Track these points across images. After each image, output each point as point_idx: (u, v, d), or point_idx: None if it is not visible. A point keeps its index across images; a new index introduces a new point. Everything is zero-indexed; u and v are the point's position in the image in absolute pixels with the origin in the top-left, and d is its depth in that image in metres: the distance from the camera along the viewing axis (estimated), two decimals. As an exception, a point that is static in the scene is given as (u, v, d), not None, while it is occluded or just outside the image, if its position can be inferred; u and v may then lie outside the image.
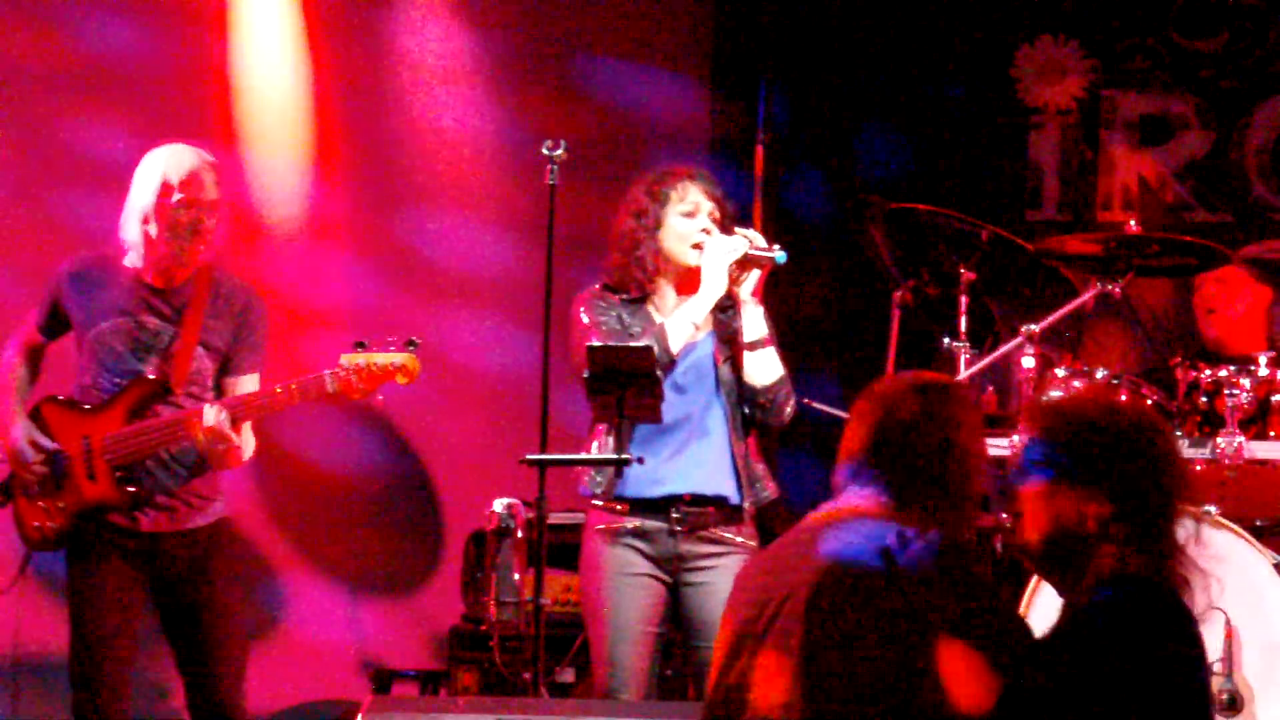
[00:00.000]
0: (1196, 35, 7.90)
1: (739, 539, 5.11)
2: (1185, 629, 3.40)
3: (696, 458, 5.09)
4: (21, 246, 6.61)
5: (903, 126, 7.98)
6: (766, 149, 7.91)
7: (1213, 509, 5.59)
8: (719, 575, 5.00)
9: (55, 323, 5.48)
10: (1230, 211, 7.84)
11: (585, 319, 5.13)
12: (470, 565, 6.55)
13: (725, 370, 5.16)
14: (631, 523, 5.05)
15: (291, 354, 6.00)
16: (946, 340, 6.06)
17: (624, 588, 5.04)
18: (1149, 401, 6.03)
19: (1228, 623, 5.40)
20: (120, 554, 5.31)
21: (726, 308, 5.18)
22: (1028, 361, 5.90)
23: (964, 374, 5.94)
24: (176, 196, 5.32)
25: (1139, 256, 6.01)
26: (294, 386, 5.27)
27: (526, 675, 4.99)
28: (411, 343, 5.26)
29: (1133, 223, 6.08)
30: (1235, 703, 5.41)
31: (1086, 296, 5.99)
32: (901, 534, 3.49)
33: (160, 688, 6.11)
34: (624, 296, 5.16)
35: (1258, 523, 5.83)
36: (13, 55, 6.67)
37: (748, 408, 5.16)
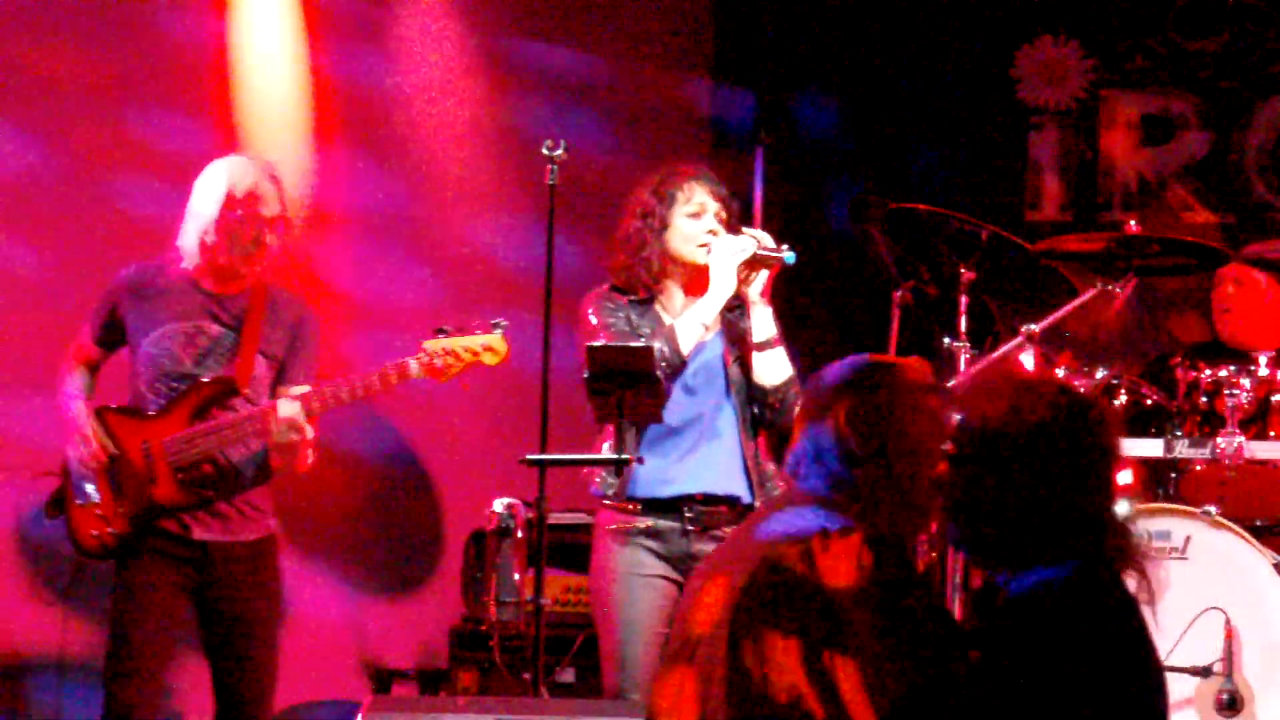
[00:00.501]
0: (1196, 35, 7.90)
1: None
2: (1113, 616, 3.33)
3: (708, 458, 5.09)
4: (22, 244, 6.62)
5: (902, 125, 7.99)
6: (767, 149, 7.92)
7: (1213, 509, 5.59)
8: None
9: (110, 334, 5.45)
10: (1230, 211, 7.84)
11: (594, 320, 5.12)
12: (470, 565, 6.55)
13: (735, 371, 5.15)
14: (643, 523, 5.05)
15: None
16: (946, 340, 6.06)
17: (636, 587, 5.03)
18: (1148, 401, 6.03)
19: (1228, 623, 5.40)
20: (170, 561, 5.29)
21: (735, 308, 5.18)
22: (1028, 361, 5.90)
23: (964, 374, 5.94)
24: (239, 210, 5.32)
25: (1139, 256, 6.02)
26: (374, 375, 5.25)
27: (526, 675, 4.99)
28: (497, 324, 5.24)
29: (1133, 223, 6.09)
30: (1235, 703, 5.41)
31: (1086, 296, 5.99)
32: (826, 528, 3.44)
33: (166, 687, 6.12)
34: (632, 298, 5.16)
35: (1258, 523, 5.83)
36: (14, 56, 6.66)
37: (757, 408, 5.16)
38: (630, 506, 5.05)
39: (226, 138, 6.84)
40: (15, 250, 6.55)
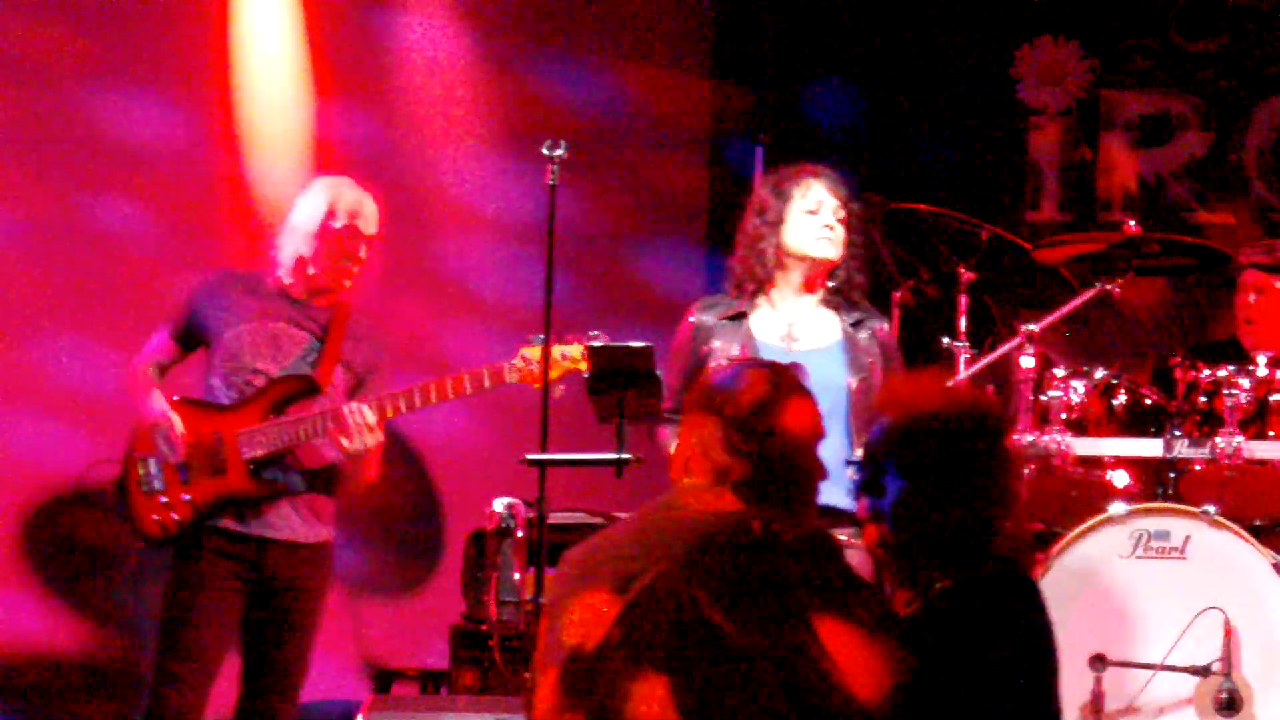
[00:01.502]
0: (1196, 35, 7.91)
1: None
2: (992, 625, 3.37)
3: None
4: (21, 244, 6.62)
5: (902, 125, 7.99)
6: (766, 149, 7.92)
7: (1212, 509, 5.59)
8: None
9: (190, 332, 5.48)
10: (1230, 211, 7.84)
11: (672, 348, 5.20)
12: (470, 565, 6.55)
13: (853, 385, 5.15)
14: None
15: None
16: (946, 340, 6.06)
17: None
18: (1147, 401, 6.03)
19: (1227, 623, 5.40)
20: (226, 561, 5.31)
21: (858, 322, 5.21)
22: (1028, 361, 5.90)
23: (964, 374, 5.94)
24: (341, 224, 5.44)
25: (1139, 257, 6.02)
26: (466, 377, 5.28)
27: (526, 675, 4.99)
28: (596, 335, 5.25)
29: (1132, 223, 6.09)
30: (1234, 702, 5.41)
31: (1087, 296, 6.00)
32: (767, 526, 3.44)
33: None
34: (727, 312, 5.17)
35: (1257, 523, 5.83)
36: (13, 53, 6.67)
37: None
38: None
39: (226, 139, 6.85)
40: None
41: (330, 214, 5.46)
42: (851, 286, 5.26)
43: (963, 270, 6.14)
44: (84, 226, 6.60)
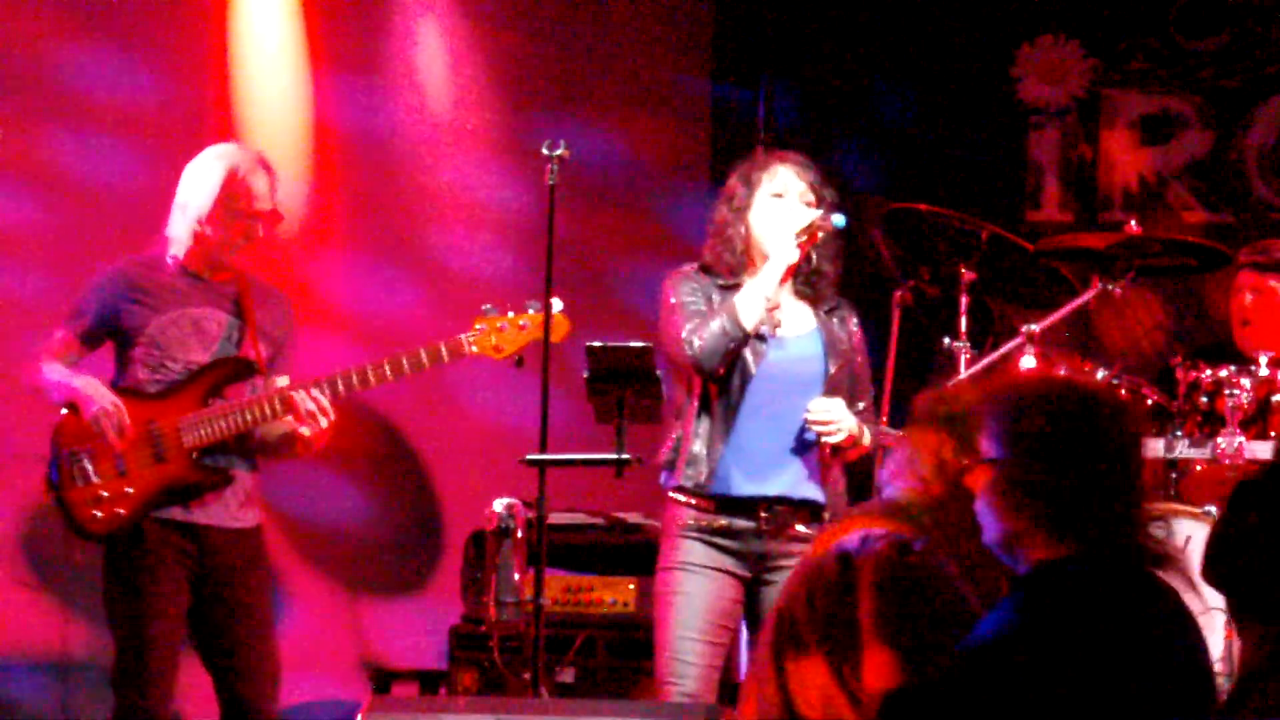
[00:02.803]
0: (1196, 35, 7.90)
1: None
2: (1111, 606, 3.29)
3: (791, 460, 5.06)
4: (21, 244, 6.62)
5: (903, 126, 7.98)
6: (767, 148, 7.91)
7: (1213, 509, 5.59)
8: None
9: (99, 328, 5.37)
10: (1230, 211, 7.84)
11: (672, 299, 5.09)
12: (470, 565, 6.55)
13: (833, 372, 5.11)
14: (719, 521, 5.03)
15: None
16: (946, 340, 6.06)
17: (698, 579, 5.00)
18: (1149, 402, 6.03)
19: (1228, 622, 5.39)
20: (170, 550, 5.25)
21: (833, 310, 5.17)
22: (1028, 361, 5.90)
23: (964, 374, 5.94)
24: (235, 202, 5.32)
25: (1139, 257, 6.02)
26: (423, 351, 5.23)
27: (526, 675, 4.99)
28: (554, 301, 5.17)
29: (1133, 223, 6.08)
30: (1236, 703, 5.39)
31: (1087, 296, 5.99)
32: (867, 537, 3.45)
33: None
34: (720, 282, 5.13)
35: (1258, 523, 5.82)
36: (14, 59, 6.67)
37: None
38: (707, 504, 5.03)
39: (224, 138, 6.84)
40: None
41: (224, 190, 5.31)
42: (819, 275, 5.18)
43: (963, 270, 6.14)
44: (82, 218, 6.59)
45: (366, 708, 4.57)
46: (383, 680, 6.89)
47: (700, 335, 4.96)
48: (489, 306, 5.22)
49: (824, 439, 5.00)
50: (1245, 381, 5.83)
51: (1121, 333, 7.41)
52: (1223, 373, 5.87)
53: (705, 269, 5.15)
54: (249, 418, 5.25)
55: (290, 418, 5.25)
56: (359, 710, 4.55)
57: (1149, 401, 6.03)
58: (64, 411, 5.30)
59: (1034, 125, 8.05)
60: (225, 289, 5.37)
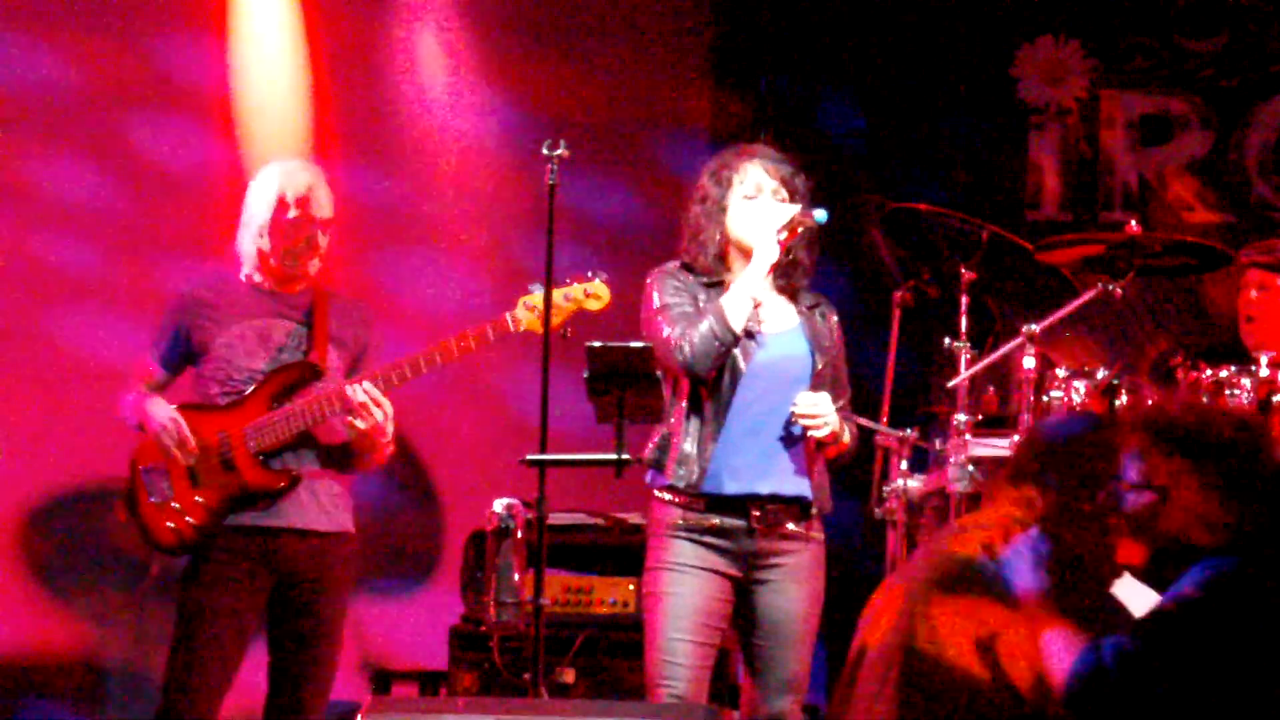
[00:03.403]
0: (1196, 35, 7.90)
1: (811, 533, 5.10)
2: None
3: (781, 458, 5.04)
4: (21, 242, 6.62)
5: (902, 125, 7.98)
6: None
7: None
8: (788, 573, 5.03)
9: (176, 351, 5.45)
10: (1230, 211, 7.83)
11: (657, 300, 5.07)
12: (470, 565, 6.54)
13: (820, 369, 5.11)
14: (709, 520, 5.02)
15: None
16: (946, 340, 6.06)
17: (689, 578, 4.99)
18: (1149, 402, 6.02)
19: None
20: (242, 558, 5.29)
21: (815, 306, 5.16)
22: (1028, 361, 5.90)
23: (964, 374, 5.94)
24: (292, 213, 5.40)
25: (1140, 257, 6.01)
26: (470, 334, 5.25)
27: (526, 675, 4.98)
28: (597, 274, 5.20)
29: (1133, 223, 6.08)
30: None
31: (1087, 296, 5.99)
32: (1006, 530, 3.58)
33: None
34: (704, 280, 5.11)
35: (1258, 522, 5.81)
36: (18, 62, 6.67)
37: None
38: (697, 503, 5.02)
39: (227, 145, 6.84)
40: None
41: (281, 204, 5.41)
42: (795, 265, 5.14)
43: (963, 270, 6.14)
44: (87, 225, 6.60)
45: (366, 708, 4.56)
46: (383, 680, 6.89)
47: (690, 340, 4.95)
48: (536, 285, 5.23)
49: (810, 433, 4.99)
50: (1245, 381, 5.83)
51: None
52: (1223, 373, 5.87)
53: (687, 266, 5.14)
54: (309, 416, 5.29)
55: (351, 418, 5.27)
56: (359, 710, 4.55)
57: (1149, 402, 6.02)
58: (139, 432, 5.39)
59: (1034, 125, 8.04)
60: (297, 300, 5.45)
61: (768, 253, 5.00)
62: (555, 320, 5.13)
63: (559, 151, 5.05)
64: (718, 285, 5.06)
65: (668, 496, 5.04)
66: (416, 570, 7.36)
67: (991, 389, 6.41)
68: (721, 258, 5.10)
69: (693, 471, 5.00)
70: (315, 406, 5.30)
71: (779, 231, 5.00)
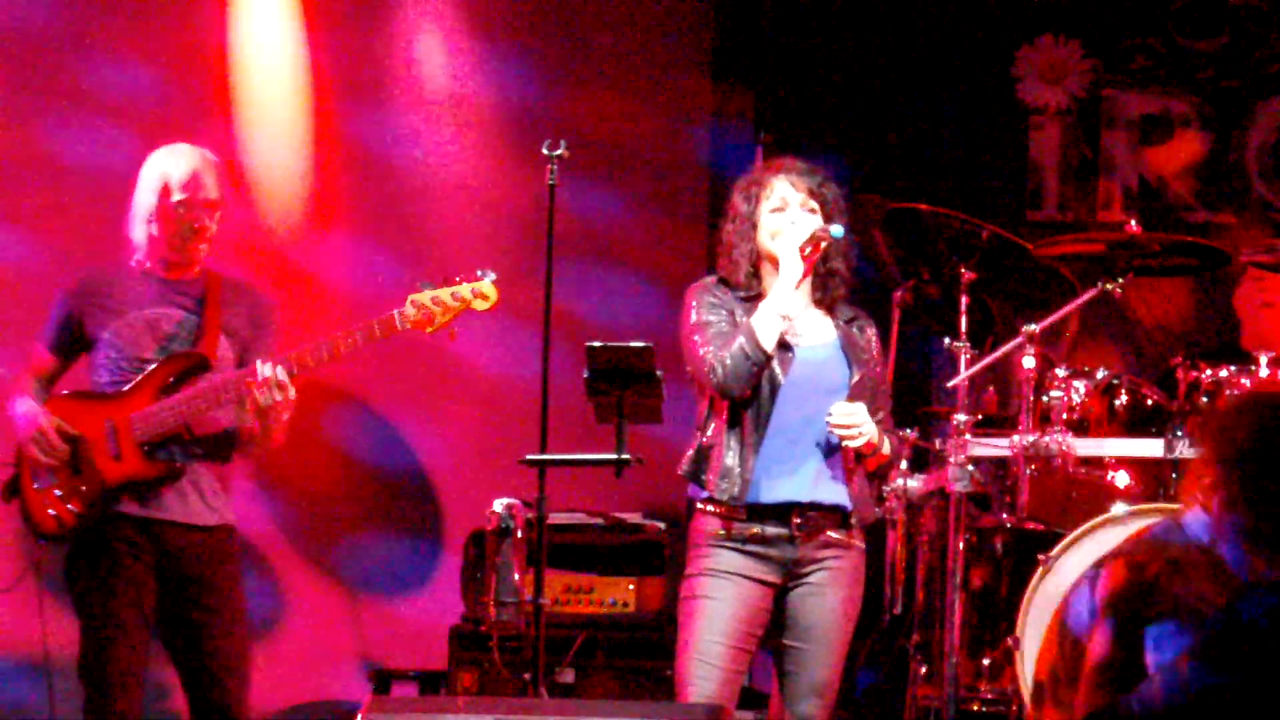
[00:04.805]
0: (1196, 35, 7.90)
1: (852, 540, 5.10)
2: None
3: (819, 467, 5.03)
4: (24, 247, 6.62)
5: (903, 126, 7.98)
6: (766, 149, 7.91)
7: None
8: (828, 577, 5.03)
9: (67, 338, 5.46)
10: (1230, 211, 7.84)
11: (694, 317, 5.07)
12: (470, 565, 6.55)
13: (854, 379, 5.10)
14: (750, 529, 5.01)
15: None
16: (946, 340, 6.06)
17: (727, 584, 4.98)
18: (1149, 402, 6.02)
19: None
20: (129, 546, 5.29)
21: (854, 319, 5.16)
22: (1028, 361, 5.90)
23: (964, 374, 5.94)
24: (177, 197, 5.38)
25: (1140, 257, 6.01)
26: (357, 331, 5.25)
27: (526, 675, 4.98)
28: (484, 273, 5.22)
29: (1133, 223, 6.08)
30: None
31: (1087, 296, 5.99)
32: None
33: (158, 687, 6.10)
34: (740, 294, 5.12)
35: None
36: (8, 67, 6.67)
37: None
38: (739, 514, 5.01)
39: (225, 139, 6.84)
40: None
41: (165, 190, 5.41)
42: (832, 275, 5.15)
43: (963, 270, 6.14)
44: (81, 203, 6.60)
45: (366, 708, 4.56)
46: (383, 680, 6.89)
47: (723, 361, 4.93)
48: (426, 283, 5.25)
49: (845, 443, 4.99)
50: (1245, 381, 5.83)
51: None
52: (1223, 373, 5.87)
53: (724, 281, 5.15)
54: (195, 407, 5.28)
55: (238, 410, 5.26)
56: (359, 710, 4.55)
57: (1149, 402, 6.03)
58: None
59: (1034, 125, 8.04)
60: (188, 288, 5.44)
61: (793, 268, 5.01)
62: (444, 319, 5.16)
63: (559, 151, 5.06)
64: (754, 299, 5.06)
65: (710, 508, 5.04)
66: (416, 570, 7.35)
67: (991, 389, 6.42)
68: (755, 273, 5.10)
69: (735, 484, 4.99)
70: (201, 398, 5.29)
71: (802, 247, 5.01)
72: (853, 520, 5.04)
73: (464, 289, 5.21)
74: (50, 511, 5.32)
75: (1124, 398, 6.01)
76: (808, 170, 5.15)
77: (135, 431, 5.29)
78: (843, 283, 5.15)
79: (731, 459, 4.99)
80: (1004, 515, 6.08)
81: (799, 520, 4.98)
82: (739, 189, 5.17)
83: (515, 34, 7.57)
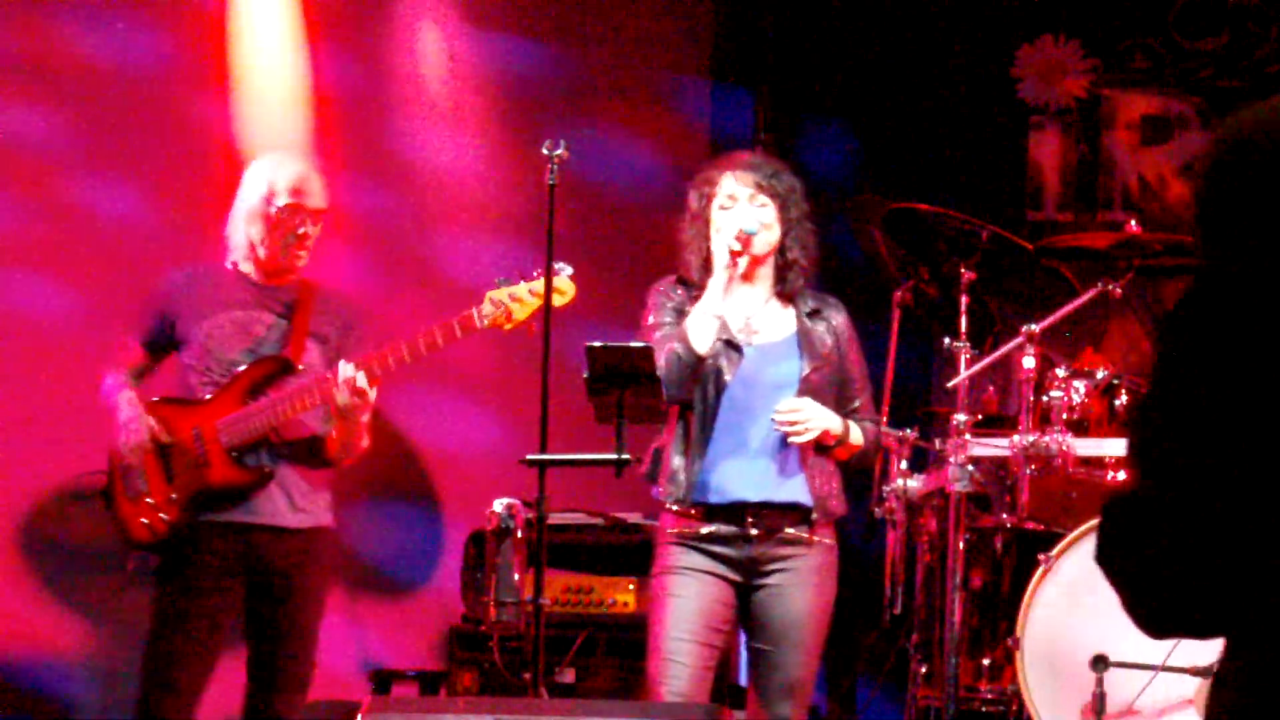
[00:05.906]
0: (1196, 35, 7.90)
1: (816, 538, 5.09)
2: None
3: (771, 465, 5.05)
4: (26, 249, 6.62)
5: (902, 125, 7.98)
6: (766, 149, 7.92)
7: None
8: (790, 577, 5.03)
9: (160, 336, 5.47)
10: (1230, 211, 7.83)
11: (650, 318, 5.11)
12: (470, 565, 6.55)
13: (809, 375, 5.10)
14: (706, 528, 5.03)
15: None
16: (946, 340, 6.06)
17: (689, 582, 5.01)
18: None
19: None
20: (218, 556, 5.31)
21: (811, 313, 5.15)
22: (1028, 361, 5.90)
23: (964, 374, 5.94)
24: (283, 203, 5.40)
25: (1140, 257, 6.01)
26: (437, 330, 5.26)
27: (526, 675, 4.98)
28: (561, 268, 5.18)
29: (1133, 223, 6.08)
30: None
31: (1087, 296, 5.99)
32: None
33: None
34: (695, 293, 5.12)
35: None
36: (10, 54, 6.66)
37: None
38: (693, 512, 5.02)
39: (222, 142, 6.84)
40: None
41: (270, 195, 5.42)
42: (790, 266, 5.14)
43: (963, 270, 6.14)
44: (82, 212, 6.60)
45: (366, 708, 4.57)
46: (383, 680, 6.89)
47: (659, 364, 4.94)
48: (503, 279, 5.24)
49: (791, 439, 4.99)
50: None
51: None
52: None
53: (682, 280, 5.15)
54: (283, 411, 5.28)
55: (325, 414, 5.27)
56: (359, 710, 4.55)
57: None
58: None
59: (1034, 125, 8.05)
60: (281, 293, 5.45)
61: (721, 265, 5.01)
62: (521, 315, 5.17)
63: (559, 151, 5.06)
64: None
65: (671, 507, 5.07)
66: (416, 570, 7.35)
67: (991, 389, 6.41)
68: (707, 270, 5.10)
69: (680, 487, 5.03)
70: (286, 401, 5.30)
71: (730, 246, 5.01)
72: (814, 516, 5.04)
73: (539, 284, 5.21)
74: (143, 520, 5.33)
75: (1124, 398, 6.01)
76: (756, 164, 5.15)
77: (222, 438, 5.30)
78: (801, 273, 5.14)
79: (678, 461, 5.02)
80: (1004, 515, 6.08)
81: (752, 519, 4.99)
82: (693, 187, 5.17)
83: (513, 34, 7.57)
